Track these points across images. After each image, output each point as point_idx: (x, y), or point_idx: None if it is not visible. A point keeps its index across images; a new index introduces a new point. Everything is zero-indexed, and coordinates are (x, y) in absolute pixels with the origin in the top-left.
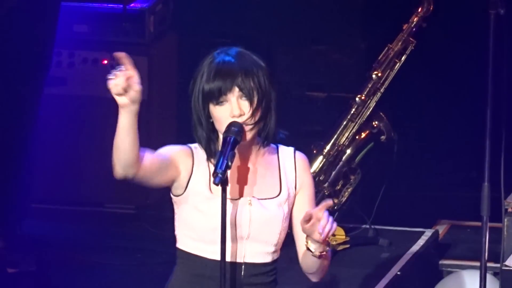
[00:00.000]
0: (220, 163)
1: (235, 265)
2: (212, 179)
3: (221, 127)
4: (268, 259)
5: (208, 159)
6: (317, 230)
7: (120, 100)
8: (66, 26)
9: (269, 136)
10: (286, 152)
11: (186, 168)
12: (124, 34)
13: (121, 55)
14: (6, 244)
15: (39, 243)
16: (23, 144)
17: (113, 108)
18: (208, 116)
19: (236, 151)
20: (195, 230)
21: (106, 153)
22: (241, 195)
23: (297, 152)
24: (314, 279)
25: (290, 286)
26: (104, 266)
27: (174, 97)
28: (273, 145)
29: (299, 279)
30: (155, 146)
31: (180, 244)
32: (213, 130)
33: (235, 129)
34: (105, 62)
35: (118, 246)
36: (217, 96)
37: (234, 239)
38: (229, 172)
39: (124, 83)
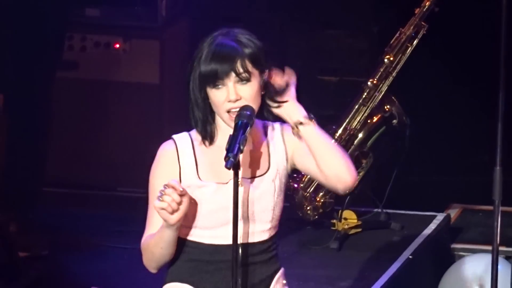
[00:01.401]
0: (232, 147)
1: (230, 247)
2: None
3: (218, 110)
4: (264, 236)
5: (203, 141)
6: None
7: (171, 219)
8: (78, 9)
9: (264, 116)
10: (273, 127)
11: (176, 171)
12: (137, 18)
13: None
14: (18, 228)
15: (51, 227)
16: (35, 128)
17: (124, 92)
18: (205, 97)
19: (248, 134)
20: (188, 217)
21: (118, 137)
22: (229, 177)
23: (284, 125)
24: (340, 171)
25: (300, 270)
26: (116, 250)
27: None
28: (258, 122)
29: (309, 263)
30: (166, 132)
31: (180, 234)
32: (210, 111)
33: (247, 113)
34: (117, 46)
35: (131, 230)
36: (213, 80)
37: (226, 221)
38: (209, 154)
39: (175, 204)
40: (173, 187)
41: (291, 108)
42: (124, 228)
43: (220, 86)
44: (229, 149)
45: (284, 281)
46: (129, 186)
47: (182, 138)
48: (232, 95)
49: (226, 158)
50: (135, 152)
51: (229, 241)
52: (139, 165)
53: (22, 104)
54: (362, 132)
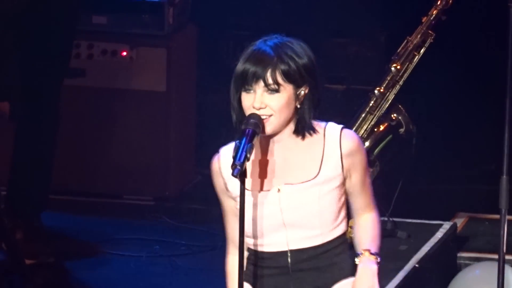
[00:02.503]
0: (238, 156)
1: (280, 254)
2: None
3: (246, 113)
4: (316, 242)
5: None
6: None
7: None
8: (85, 17)
9: (301, 129)
10: (333, 132)
11: (223, 187)
12: (144, 26)
13: None
14: (25, 235)
15: (57, 235)
16: (42, 136)
17: (131, 100)
18: (239, 100)
19: (254, 143)
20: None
21: (124, 144)
22: (271, 185)
23: (343, 132)
24: None
25: None
26: (122, 257)
27: (193, 89)
28: (321, 124)
29: None
30: (173, 139)
31: None
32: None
33: (253, 121)
34: (124, 53)
35: (136, 237)
36: (243, 83)
37: (272, 229)
38: (250, 163)
39: None
40: None
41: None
42: (130, 235)
43: (250, 91)
44: (236, 157)
45: None
46: (135, 193)
47: (227, 150)
48: (257, 102)
49: (233, 166)
50: (141, 160)
51: (277, 248)
52: (146, 173)
53: (28, 111)
54: (369, 141)
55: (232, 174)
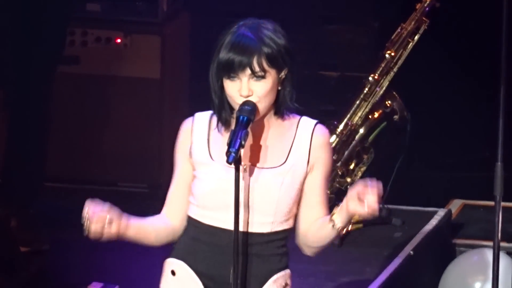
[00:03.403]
0: (233, 142)
1: (226, 232)
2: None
3: (231, 101)
4: (264, 229)
5: (218, 127)
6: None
7: (108, 236)
8: (79, 4)
9: (280, 110)
10: (307, 124)
11: (187, 150)
12: (138, 13)
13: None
14: (19, 223)
15: (52, 222)
16: (35, 123)
17: (125, 87)
18: (221, 86)
19: (249, 129)
20: (196, 196)
21: (119, 131)
22: (239, 162)
23: (317, 127)
24: (310, 252)
25: (301, 266)
26: (117, 244)
27: (187, 77)
28: (296, 116)
29: (309, 259)
30: (167, 127)
31: (188, 211)
32: (227, 99)
33: (248, 107)
34: (118, 41)
35: None
36: (228, 72)
37: (226, 205)
38: (226, 137)
39: (100, 227)
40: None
41: (344, 215)
42: None
43: (234, 78)
44: (231, 144)
45: (287, 285)
46: (130, 181)
47: (202, 116)
48: (244, 90)
49: (228, 153)
50: (136, 147)
51: (226, 225)
52: (140, 160)
53: (22, 99)
54: (363, 128)
55: (227, 161)
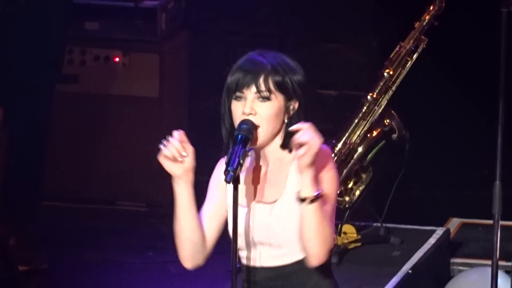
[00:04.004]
0: (231, 161)
1: (252, 269)
2: (225, 177)
3: (235, 123)
4: (284, 261)
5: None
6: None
7: (174, 170)
8: (78, 23)
9: (289, 144)
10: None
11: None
12: (136, 31)
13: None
14: (18, 242)
15: (50, 241)
16: (34, 142)
17: (124, 106)
18: (230, 110)
19: (248, 149)
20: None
21: (117, 150)
22: (251, 200)
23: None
24: (313, 258)
25: None
26: (116, 264)
27: (186, 95)
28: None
29: None
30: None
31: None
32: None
33: (246, 126)
34: (117, 59)
35: (130, 244)
36: (234, 90)
37: (248, 244)
38: (244, 176)
39: (176, 151)
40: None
41: (303, 180)
42: (123, 242)
43: (240, 98)
44: (229, 163)
45: None
46: (128, 199)
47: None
48: (247, 108)
49: (226, 172)
50: (134, 166)
51: (250, 262)
52: (139, 179)
53: (21, 117)
54: (361, 146)
55: (225, 180)
